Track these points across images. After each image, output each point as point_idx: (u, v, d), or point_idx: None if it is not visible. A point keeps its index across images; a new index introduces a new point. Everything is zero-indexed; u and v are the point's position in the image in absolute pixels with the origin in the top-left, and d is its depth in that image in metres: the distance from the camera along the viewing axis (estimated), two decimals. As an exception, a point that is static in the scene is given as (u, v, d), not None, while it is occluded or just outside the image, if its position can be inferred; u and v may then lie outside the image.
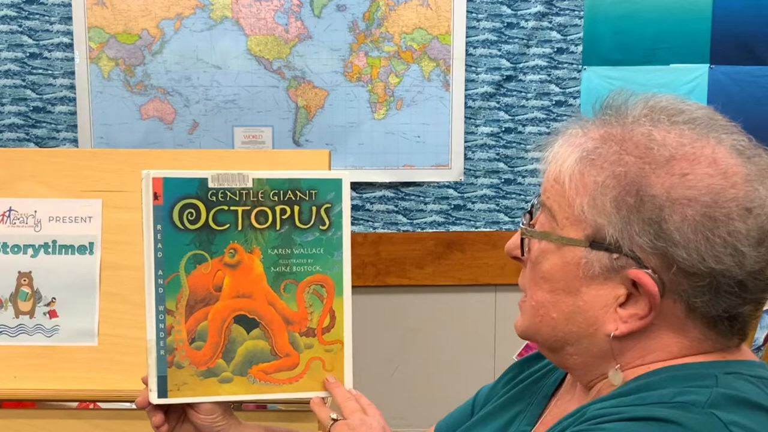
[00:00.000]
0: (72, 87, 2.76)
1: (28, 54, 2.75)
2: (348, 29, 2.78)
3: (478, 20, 2.81)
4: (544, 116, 2.87)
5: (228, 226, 1.10)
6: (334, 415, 1.08)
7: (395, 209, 2.89)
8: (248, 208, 1.10)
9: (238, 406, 1.48)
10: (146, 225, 1.08)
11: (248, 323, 1.12)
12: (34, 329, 1.68)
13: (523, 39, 2.83)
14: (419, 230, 2.90)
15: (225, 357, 1.11)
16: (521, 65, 2.84)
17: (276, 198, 1.11)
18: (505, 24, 2.82)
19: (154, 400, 1.10)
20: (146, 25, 2.73)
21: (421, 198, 2.88)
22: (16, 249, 1.68)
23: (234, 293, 1.11)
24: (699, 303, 0.85)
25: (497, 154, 2.88)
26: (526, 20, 2.82)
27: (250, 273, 1.11)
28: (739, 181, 0.84)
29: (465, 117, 2.83)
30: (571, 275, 0.89)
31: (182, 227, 1.08)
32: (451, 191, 2.88)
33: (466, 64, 2.81)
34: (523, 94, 2.86)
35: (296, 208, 1.12)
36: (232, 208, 1.10)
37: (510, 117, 2.86)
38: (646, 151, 0.85)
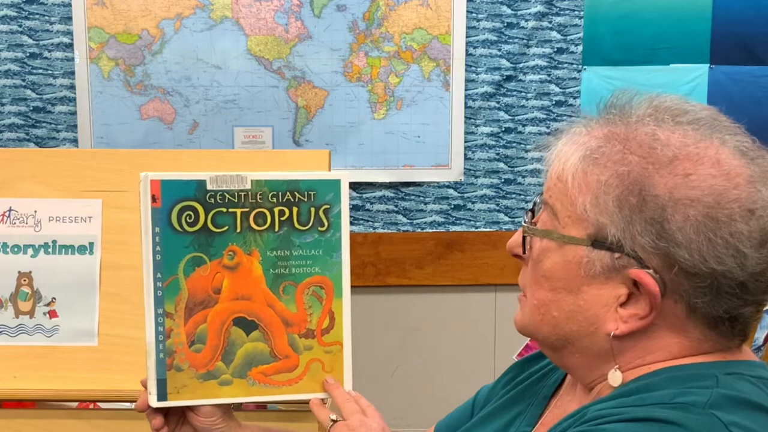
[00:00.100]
0: (72, 87, 2.75)
1: (28, 54, 2.75)
2: (348, 29, 2.78)
3: (478, 20, 2.80)
4: (544, 116, 2.86)
5: (226, 228, 1.09)
6: (333, 417, 1.08)
7: (395, 209, 2.88)
8: (247, 209, 1.10)
9: (238, 406, 1.47)
10: (144, 227, 1.08)
11: (247, 325, 1.11)
12: (34, 329, 1.68)
13: (523, 39, 2.82)
14: (419, 230, 2.89)
15: (224, 359, 1.11)
16: (521, 65, 2.84)
17: (274, 199, 1.10)
18: (505, 24, 2.81)
19: (154, 403, 1.10)
20: (146, 25, 2.73)
21: (421, 198, 2.88)
22: (16, 249, 1.68)
23: (233, 295, 1.11)
24: (700, 303, 0.84)
25: (497, 154, 2.87)
26: (526, 20, 2.82)
27: (249, 275, 1.11)
28: (742, 183, 0.83)
29: (465, 117, 2.83)
30: (572, 274, 0.89)
31: (181, 230, 1.08)
32: (451, 191, 2.88)
33: (466, 64, 2.81)
34: (523, 94, 2.85)
35: (295, 209, 1.11)
36: (230, 209, 1.09)
37: (510, 117, 2.86)
38: (649, 151, 0.85)
